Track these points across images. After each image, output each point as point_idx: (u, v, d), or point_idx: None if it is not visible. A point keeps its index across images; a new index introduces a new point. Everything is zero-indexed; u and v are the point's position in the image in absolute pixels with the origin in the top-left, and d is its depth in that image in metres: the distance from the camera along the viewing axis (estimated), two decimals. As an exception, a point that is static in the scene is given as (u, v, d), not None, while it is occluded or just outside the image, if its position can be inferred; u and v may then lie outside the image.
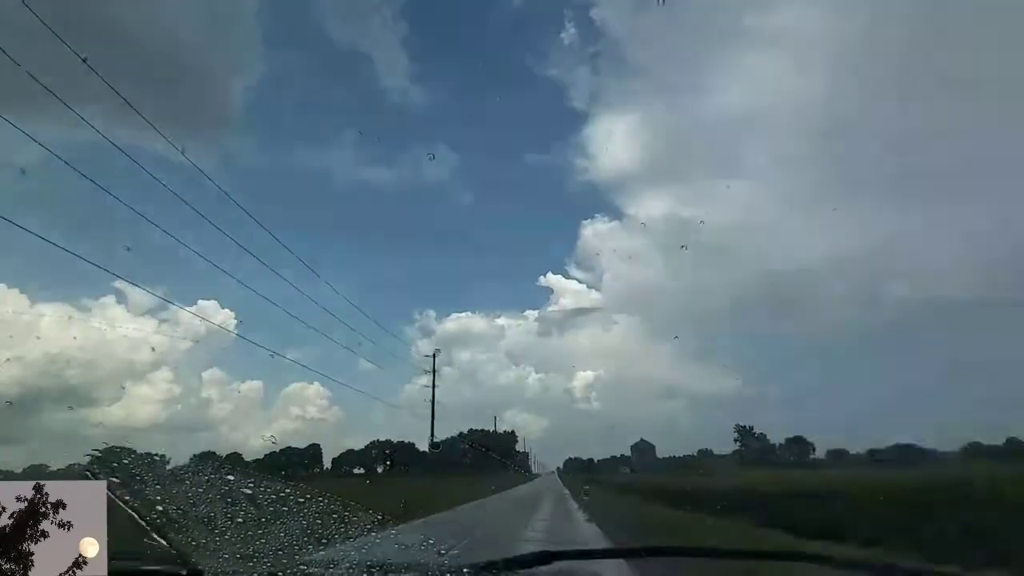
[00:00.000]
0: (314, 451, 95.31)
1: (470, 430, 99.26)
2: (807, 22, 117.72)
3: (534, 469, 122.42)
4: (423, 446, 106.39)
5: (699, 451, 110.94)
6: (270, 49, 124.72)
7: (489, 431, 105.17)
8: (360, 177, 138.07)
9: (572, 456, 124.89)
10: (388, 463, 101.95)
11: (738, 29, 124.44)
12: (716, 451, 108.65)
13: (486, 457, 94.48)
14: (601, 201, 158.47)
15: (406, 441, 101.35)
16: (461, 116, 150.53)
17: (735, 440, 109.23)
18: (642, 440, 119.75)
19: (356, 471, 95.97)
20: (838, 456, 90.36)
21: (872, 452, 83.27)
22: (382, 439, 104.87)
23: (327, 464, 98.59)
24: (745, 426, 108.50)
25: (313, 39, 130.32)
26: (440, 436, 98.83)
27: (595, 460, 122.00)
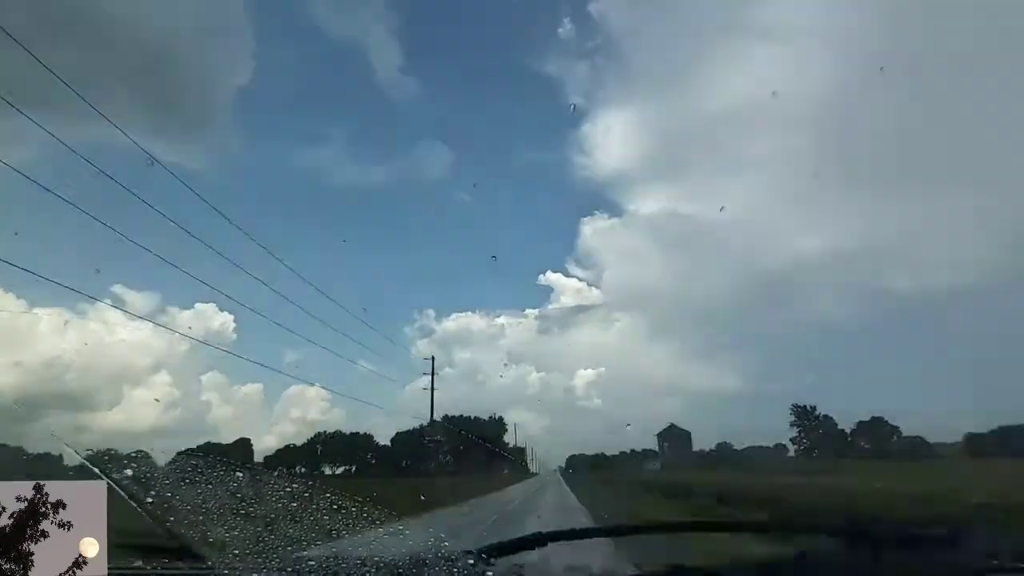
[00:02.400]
0: (242, 446, 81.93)
1: (444, 416, 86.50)
2: (805, 15, 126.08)
3: (533, 468, 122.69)
4: (384, 439, 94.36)
5: (718, 444, 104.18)
6: (262, 45, 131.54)
7: (470, 417, 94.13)
8: (356, 175, 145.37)
9: (576, 453, 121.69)
10: (337, 461, 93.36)
11: (736, 23, 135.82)
12: (748, 442, 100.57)
13: (468, 451, 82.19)
14: (600, 198, 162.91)
15: (362, 432, 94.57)
16: (458, 113, 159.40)
17: (791, 424, 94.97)
18: (673, 426, 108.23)
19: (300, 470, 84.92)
20: (929, 446, 78.40)
21: (972, 438, 74.64)
22: (330, 430, 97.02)
23: (258, 461, 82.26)
24: (805, 406, 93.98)
25: (306, 35, 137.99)
26: (411, 426, 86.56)
27: (606, 455, 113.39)
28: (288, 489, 2.20)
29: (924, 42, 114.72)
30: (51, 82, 13.15)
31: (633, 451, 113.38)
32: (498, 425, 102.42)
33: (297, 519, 2.12)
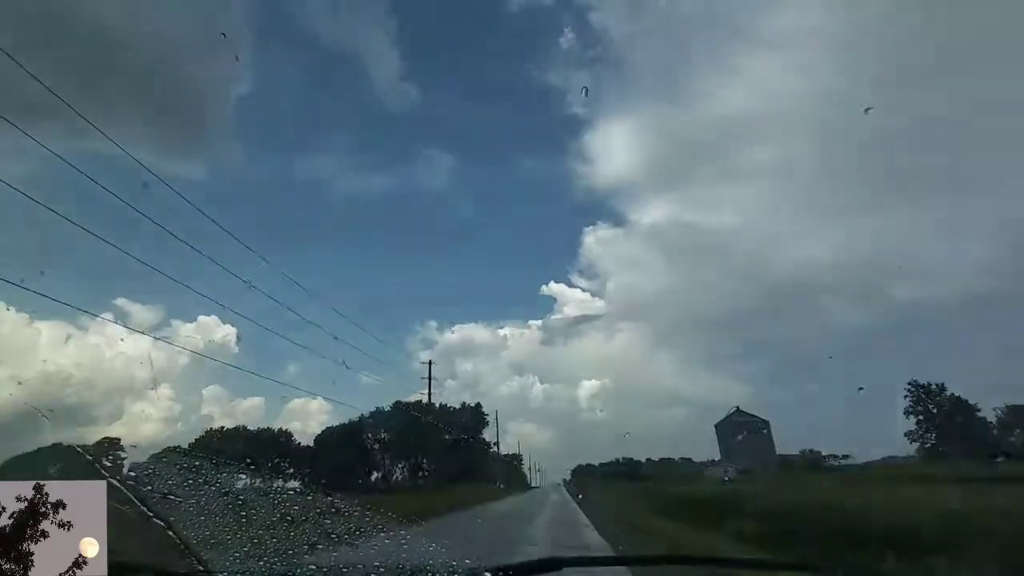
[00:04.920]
0: (107, 447, 61.60)
1: (395, 404, 68.42)
2: (807, 24, 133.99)
3: (535, 480, 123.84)
4: (307, 439, 77.97)
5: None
6: (262, 55, 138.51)
7: (432, 406, 65.81)
8: (358, 185, 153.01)
9: (583, 463, 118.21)
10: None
11: (737, 31, 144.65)
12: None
13: (434, 454, 66.48)
14: (602, 208, 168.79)
15: (280, 428, 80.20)
16: (459, 122, 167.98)
17: (906, 412, 69.38)
18: (739, 411, 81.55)
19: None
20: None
21: None
22: (229, 426, 79.73)
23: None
24: (929, 384, 68.90)
25: (307, 46, 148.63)
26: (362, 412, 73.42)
27: (638, 461, 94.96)
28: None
29: (927, 49, 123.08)
30: (50, 94, 14.00)
31: (710, 460, 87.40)
32: (474, 416, 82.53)
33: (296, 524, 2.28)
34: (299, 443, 79.76)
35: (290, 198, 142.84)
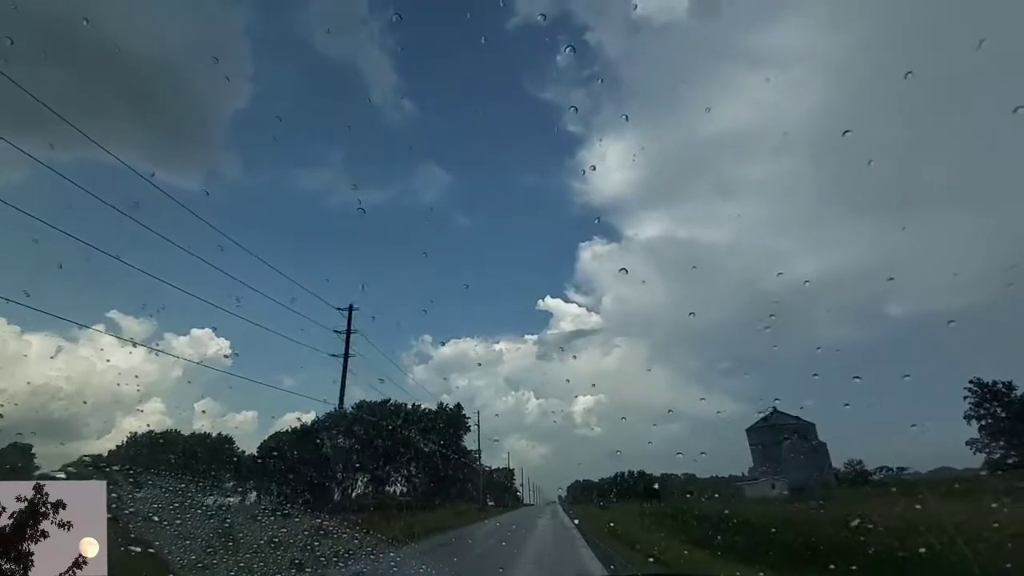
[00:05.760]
0: (19, 453, 50.63)
1: (361, 402, 59.31)
2: (801, 41, 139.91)
3: (527, 498, 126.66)
4: (253, 444, 66.97)
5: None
6: (260, 68, 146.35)
7: (403, 406, 64.18)
8: (353, 199, 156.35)
9: (580, 478, 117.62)
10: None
11: (731, 49, 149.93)
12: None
13: (406, 467, 58.81)
14: (598, 223, 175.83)
15: (219, 434, 69.41)
16: (456, 139, 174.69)
17: (967, 416, 59.92)
18: (777, 412, 64.25)
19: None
20: None
21: None
22: (158, 430, 67.74)
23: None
24: (997, 383, 58.82)
25: (304, 58, 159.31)
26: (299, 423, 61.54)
27: (648, 474, 76.87)
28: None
29: (919, 66, 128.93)
30: (46, 104, 13.99)
31: (713, 476, 71.64)
32: (453, 419, 71.20)
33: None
34: (243, 451, 69.45)
35: (286, 211, 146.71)
